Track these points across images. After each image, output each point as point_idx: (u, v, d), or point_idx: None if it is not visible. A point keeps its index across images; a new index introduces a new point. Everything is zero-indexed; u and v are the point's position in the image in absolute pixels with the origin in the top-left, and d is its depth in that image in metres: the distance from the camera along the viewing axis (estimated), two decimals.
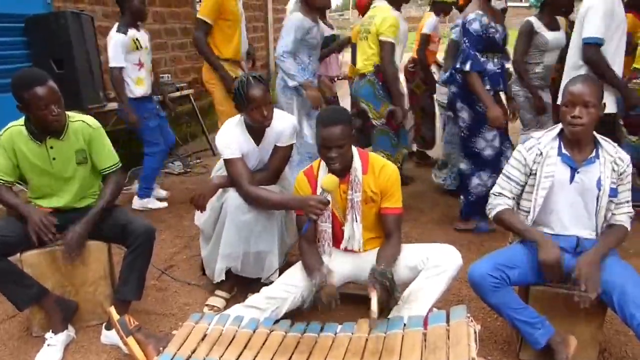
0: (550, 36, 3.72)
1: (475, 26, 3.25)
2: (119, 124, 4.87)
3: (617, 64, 3.17)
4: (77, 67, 3.97)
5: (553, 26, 3.77)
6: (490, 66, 3.34)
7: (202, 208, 2.63)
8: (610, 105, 3.06)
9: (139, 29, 4.00)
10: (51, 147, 2.36)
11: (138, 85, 4.01)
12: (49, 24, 3.91)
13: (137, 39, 3.94)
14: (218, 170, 2.80)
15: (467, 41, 3.30)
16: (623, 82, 3.29)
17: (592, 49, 3.08)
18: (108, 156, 2.53)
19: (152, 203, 4.26)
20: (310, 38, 3.55)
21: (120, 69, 3.89)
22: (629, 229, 2.21)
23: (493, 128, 3.35)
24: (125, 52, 3.88)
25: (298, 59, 3.55)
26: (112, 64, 3.88)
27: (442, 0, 4.98)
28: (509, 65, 3.67)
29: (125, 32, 3.86)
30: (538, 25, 3.75)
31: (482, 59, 3.30)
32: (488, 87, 3.33)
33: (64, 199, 2.47)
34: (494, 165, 3.41)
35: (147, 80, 4.09)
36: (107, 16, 5.10)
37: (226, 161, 2.58)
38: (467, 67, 3.27)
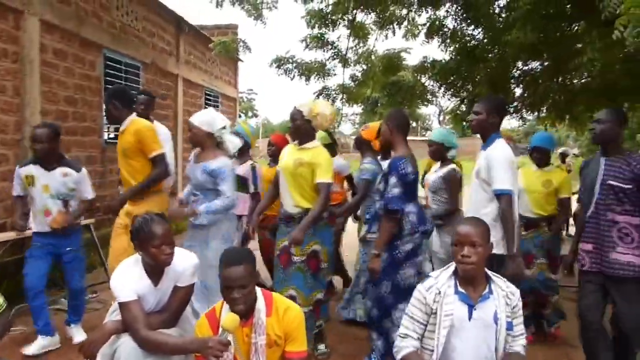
0: None
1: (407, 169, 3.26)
2: (6, 256, 4.57)
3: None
4: None
5: None
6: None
7: (93, 358, 2.41)
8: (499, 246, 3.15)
9: (48, 169, 3.81)
10: None
11: (32, 218, 3.93)
12: None
13: (29, 176, 3.82)
14: (112, 313, 2.62)
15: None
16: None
17: (505, 199, 3.04)
18: None
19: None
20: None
21: (16, 197, 3.95)
22: (525, 356, 2.31)
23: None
24: (22, 185, 3.87)
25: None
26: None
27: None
28: None
29: (20, 167, 3.90)
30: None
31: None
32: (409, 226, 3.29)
33: None
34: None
35: (38, 217, 3.89)
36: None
37: (121, 304, 2.44)
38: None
